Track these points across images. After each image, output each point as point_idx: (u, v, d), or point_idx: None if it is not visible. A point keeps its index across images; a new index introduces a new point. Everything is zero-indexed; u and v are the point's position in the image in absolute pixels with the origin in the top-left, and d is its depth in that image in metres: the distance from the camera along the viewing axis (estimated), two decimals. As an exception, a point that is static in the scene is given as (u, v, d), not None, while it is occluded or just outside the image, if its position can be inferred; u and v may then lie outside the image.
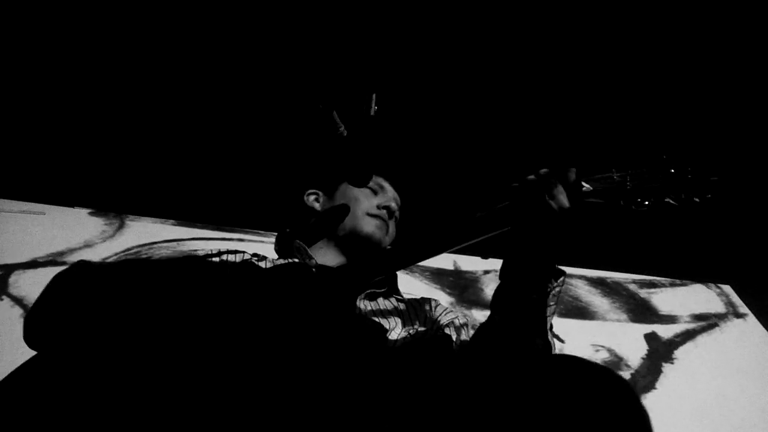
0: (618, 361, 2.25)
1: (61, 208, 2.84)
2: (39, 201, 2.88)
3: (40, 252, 2.39)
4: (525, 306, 0.97)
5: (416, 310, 1.22)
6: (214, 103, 3.09)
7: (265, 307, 0.90)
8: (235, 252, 1.14)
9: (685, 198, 0.95)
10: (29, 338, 0.96)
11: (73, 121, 3.12)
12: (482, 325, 1.05)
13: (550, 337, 1.00)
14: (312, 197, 1.42)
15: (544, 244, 0.97)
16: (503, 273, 1.01)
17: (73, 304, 0.92)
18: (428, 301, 1.28)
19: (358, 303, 1.12)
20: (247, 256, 1.13)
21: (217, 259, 1.07)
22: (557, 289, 1.00)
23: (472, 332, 1.15)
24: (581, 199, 0.97)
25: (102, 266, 1.00)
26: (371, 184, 1.38)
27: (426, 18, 2.89)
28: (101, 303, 0.91)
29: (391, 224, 1.39)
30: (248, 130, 3.10)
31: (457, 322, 1.20)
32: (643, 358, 2.29)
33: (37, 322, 0.95)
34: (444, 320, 1.20)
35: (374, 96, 2.40)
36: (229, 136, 3.12)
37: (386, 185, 1.45)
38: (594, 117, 2.98)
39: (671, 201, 0.95)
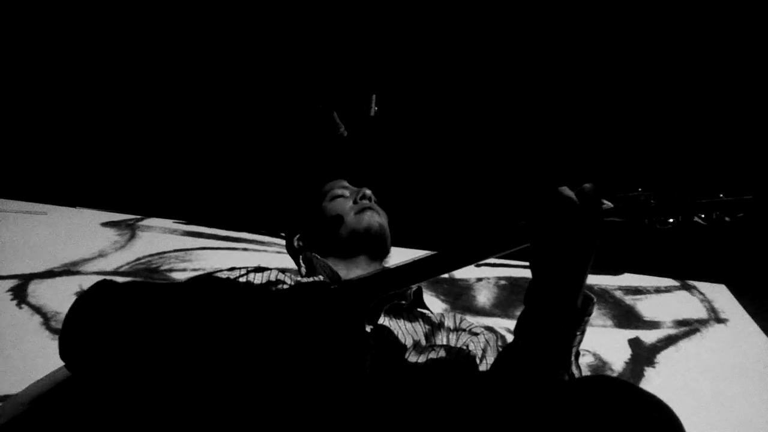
0: (602, 365, 2.36)
1: (63, 208, 2.95)
2: (39, 201, 2.98)
3: (55, 261, 2.50)
4: (549, 335, 0.91)
5: (441, 324, 1.22)
6: (214, 102, 3.17)
7: (285, 327, 0.93)
8: (262, 270, 1.16)
9: (716, 217, 0.88)
10: (66, 358, 0.99)
11: (73, 122, 3.21)
12: (506, 348, 1.02)
13: (574, 368, 0.94)
14: (299, 241, 1.47)
15: (565, 265, 0.90)
16: (528, 297, 0.94)
17: (104, 326, 0.94)
18: (453, 315, 1.27)
19: (381, 318, 1.14)
20: (273, 276, 1.15)
21: (243, 279, 1.10)
22: (586, 318, 0.93)
23: (496, 351, 1.13)
24: (601, 216, 0.89)
25: (129, 288, 1.01)
26: (337, 191, 1.47)
27: (426, 18, 2.95)
28: (129, 327, 0.93)
29: (377, 207, 1.44)
30: (248, 131, 3.17)
31: (483, 338, 1.16)
32: (626, 363, 2.38)
33: (73, 342, 0.97)
34: (471, 333, 1.19)
35: (374, 96, 2.43)
36: (229, 135, 3.20)
37: (345, 183, 1.52)
38: (618, 134, 3.01)
39: (700, 220, 0.89)
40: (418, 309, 1.28)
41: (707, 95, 2.97)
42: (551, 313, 0.90)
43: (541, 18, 2.89)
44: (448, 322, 1.23)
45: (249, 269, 1.16)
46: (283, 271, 1.19)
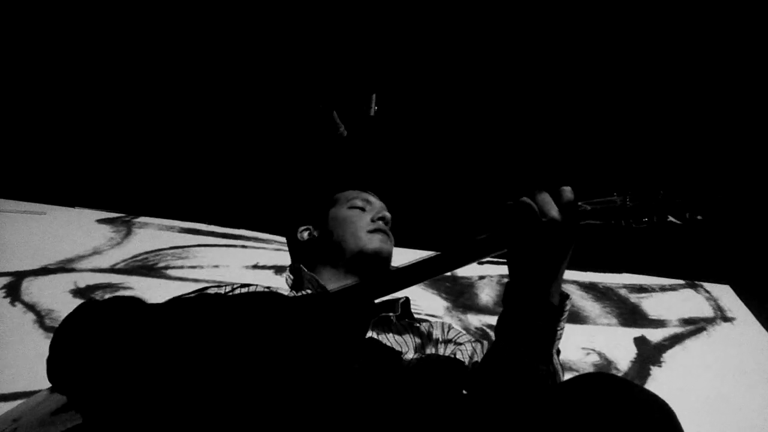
0: (607, 364, 2.33)
1: (62, 208, 2.93)
2: (39, 201, 2.96)
3: (49, 258, 2.48)
4: (528, 333, 0.93)
5: (429, 334, 1.23)
6: (213, 102, 3.16)
7: (276, 342, 0.92)
8: (248, 285, 1.16)
9: (689, 217, 0.91)
10: (53, 380, 0.95)
11: (73, 121, 3.20)
12: (488, 350, 1.04)
13: (555, 362, 0.97)
14: (305, 233, 1.44)
15: (542, 266, 0.92)
16: (506, 297, 0.97)
17: (91, 350, 0.91)
18: (441, 324, 1.28)
19: (369, 331, 1.14)
20: (259, 290, 1.14)
21: (230, 295, 1.07)
22: (564, 314, 0.96)
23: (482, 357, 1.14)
24: (577, 219, 0.92)
25: (116, 306, 0.97)
26: (358, 202, 1.44)
27: (426, 18, 2.94)
28: (118, 347, 0.90)
29: (390, 234, 1.41)
30: (249, 131, 3.16)
31: (469, 346, 1.18)
32: (632, 362, 2.36)
33: (60, 366, 0.94)
34: (457, 344, 1.20)
35: (374, 96, 2.42)
36: (229, 135, 3.18)
37: (371, 198, 1.49)
38: (599, 140, 3.02)
39: (674, 219, 0.91)
40: (407, 320, 1.28)
41: (680, 96, 2.97)
42: (529, 312, 0.93)
43: (536, 23, 2.90)
44: (437, 333, 1.25)
45: (235, 286, 1.15)
46: (268, 287, 1.19)
